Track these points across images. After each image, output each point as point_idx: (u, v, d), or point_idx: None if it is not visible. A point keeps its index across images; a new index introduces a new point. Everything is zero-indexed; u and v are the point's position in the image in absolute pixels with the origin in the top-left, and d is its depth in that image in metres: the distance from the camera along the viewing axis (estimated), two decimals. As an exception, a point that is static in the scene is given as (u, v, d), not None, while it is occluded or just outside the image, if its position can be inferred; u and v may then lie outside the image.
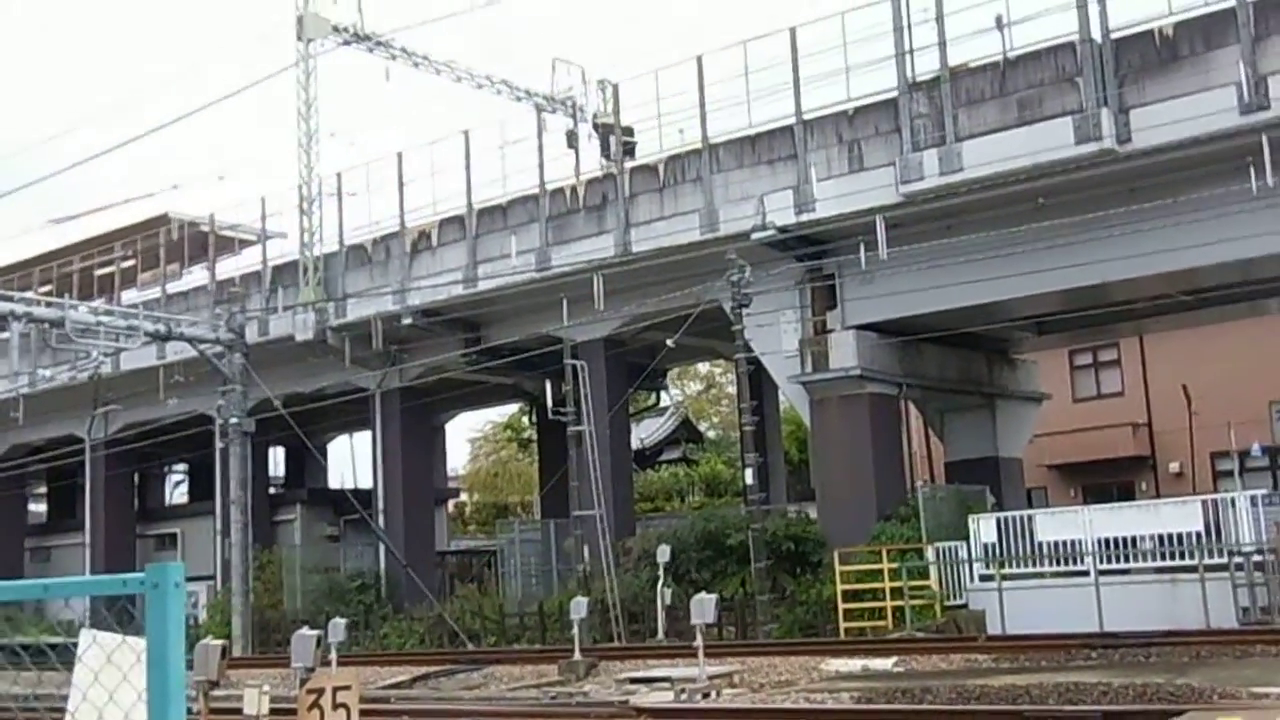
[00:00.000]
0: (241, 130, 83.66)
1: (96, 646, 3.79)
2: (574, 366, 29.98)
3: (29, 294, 34.96)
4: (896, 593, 24.61)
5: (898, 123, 25.96)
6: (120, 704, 3.41)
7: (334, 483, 46.79)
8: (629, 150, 31.25)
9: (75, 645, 4.00)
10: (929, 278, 25.90)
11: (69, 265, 41.70)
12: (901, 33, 25.87)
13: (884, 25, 26.04)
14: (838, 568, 25.49)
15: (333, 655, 19.74)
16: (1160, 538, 23.28)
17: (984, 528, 25.02)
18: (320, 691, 9.79)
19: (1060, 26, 24.51)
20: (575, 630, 21.27)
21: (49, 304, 31.20)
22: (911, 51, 25.96)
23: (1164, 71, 23.45)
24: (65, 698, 4.21)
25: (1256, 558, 21.85)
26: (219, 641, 11.37)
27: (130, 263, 41.55)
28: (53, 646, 4.16)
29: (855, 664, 18.94)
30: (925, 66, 25.87)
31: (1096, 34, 23.88)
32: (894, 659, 19.17)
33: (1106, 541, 23.58)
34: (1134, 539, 23.56)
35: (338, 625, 21.34)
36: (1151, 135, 23.11)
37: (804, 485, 36.22)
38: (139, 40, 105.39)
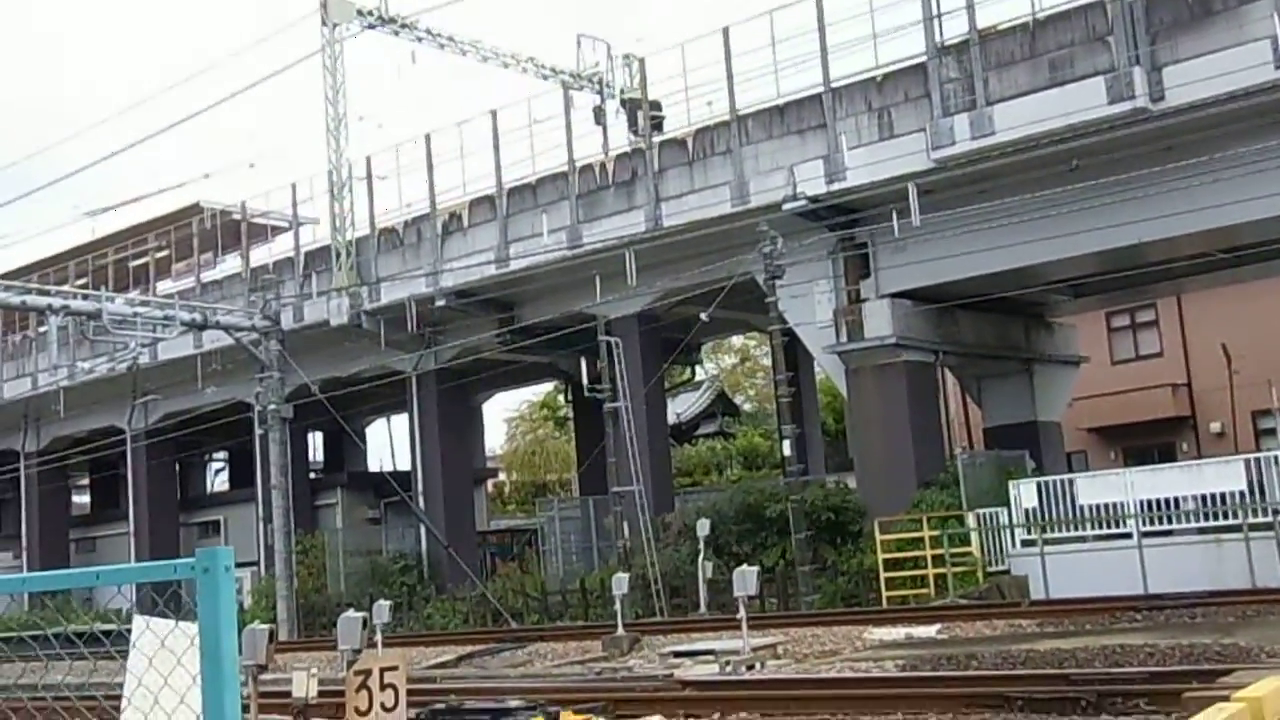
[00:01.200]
0: (271, 117, 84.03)
1: (150, 632, 3.82)
2: (608, 343, 29.99)
3: (65, 287, 35.27)
4: (938, 560, 24.55)
5: (927, 88, 25.77)
6: (175, 688, 3.44)
7: (373, 466, 47.08)
8: (657, 124, 31.16)
9: (129, 632, 4.04)
10: (963, 243, 25.74)
11: (104, 257, 42.01)
12: (928, -3, 25.64)
13: (911, -10, 25.82)
14: (878, 537, 25.45)
15: (378, 637, 19.87)
16: (1203, 498, 23.11)
17: (1024, 493, 24.90)
18: (368, 673, 9.86)
19: (1090, -15, 24.23)
20: (617, 606, 21.33)
21: (85, 297, 31.46)
22: (940, 15, 25.74)
23: (1196, 27, 23.16)
24: (120, 685, 4.25)
25: (1302, 516, 21.66)
26: (266, 626, 11.46)
27: (164, 253, 41.83)
28: (106, 634, 4.21)
29: (899, 632, 18.92)
30: (954, 30, 25.67)
31: (1126, -9, 23.60)
32: (937, 626, 19.14)
33: (1149, 503, 23.44)
34: (1176, 500, 23.41)
35: (382, 607, 21.51)
36: (1185, 92, 22.84)
37: (842, 455, 36.11)
38: (167, 31, 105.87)
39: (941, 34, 25.74)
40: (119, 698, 4.12)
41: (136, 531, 42.88)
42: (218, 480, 54.78)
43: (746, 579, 17.12)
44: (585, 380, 31.17)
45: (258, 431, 35.46)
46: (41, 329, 32.59)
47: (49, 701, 5.37)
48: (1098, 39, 23.92)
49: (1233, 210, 23.45)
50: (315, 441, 48.36)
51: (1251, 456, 24.18)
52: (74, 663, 4.72)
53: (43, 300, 30.07)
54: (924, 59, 25.92)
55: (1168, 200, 23.72)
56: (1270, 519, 21.69)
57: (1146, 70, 23.16)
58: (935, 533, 24.84)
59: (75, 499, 53.11)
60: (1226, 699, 7.06)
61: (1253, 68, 22.14)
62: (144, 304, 32.65)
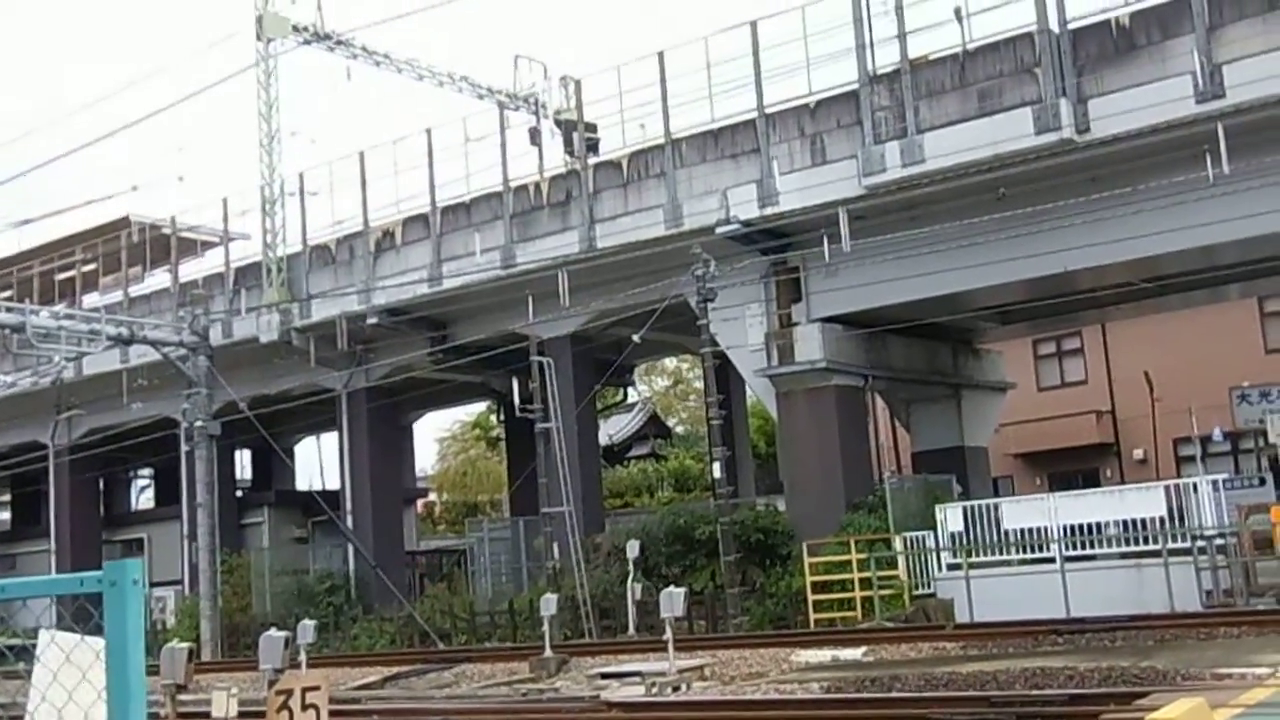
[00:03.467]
0: (202, 131, 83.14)
1: (55, 646, 3.77)
2: (540, 364, 29.95)
3: (-11, 299, 34.59)
4: (865, 583, 24.70)
5: (859, 115, 26.06)
6: (80, 703, 3.40)
7: (301, 484, 46.57)
8: (592, 146, 31.23)
9: (34, 647, 3.98)
10: (893, 269, 26.03)
11: (29, 269, 41.34)
12: (861, 25, 25.96)
13: (844, 18, 26.13)
14: (806, 559, 25.57)
15: (302, 657, 19.64)
16: (1125, 523, 23.48)
17: (951, 517, 25.16)
18: (289, 693, 9.75)
19: (1019, 17, 24.67)
20: (546, 627, 21.28)
21: (9, 309, 30.89)
22: (872, 44, 26.05)
23: (1121, 61, 23.63)
24: (22, 705, 4.19)
25: (1219, 541, 22.08)
26: (185, 645, 11.31)
27: (91, 266, 41.23)
28: (10, 648, 4.13)
29: (825, 654, 19.02)
30: (886, 59, 25.98)
31: (1054, 24, 24.05)
32: (863, 649, 19.27)
33: (1072, 528, 23.76)
34: (1099, 525, 23.75)
35: (307, 627, 21.25)
36: (1110, 124, 23.28)
37: (772, 478, 36.29)
38: (99, 42, 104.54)
39: (874, 62, 26.05)
40: (21, 715, 4.06)
41: (58, 549, 42.11)
42: (142, 498, 53.93)
43: (674, 600, 17.17)
44: (517, 400, 31.07)
45: (184, 449, 34.99)
46: (-37, 341, 31.97)
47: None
48: (1026, 70, 24.33)
49: (1156, 241, 23.91)
50: (243, 459, 47.79)
51: (1172, 483, 24.62)
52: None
53: (-35, 312, 29.49)
54: (856, 87, 26.21)
55: (1093, 230, 24.14)
56: (1189, 544, 22.07)
57: (1073, 102, 23.59)
58: (863, 556, 25.00)
59: (-5, 515, 52.10)
60: (1140, 720, 7.18)
61: (1175, 101, 22.62)
62: (69, 317, 32.12)
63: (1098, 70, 23.80)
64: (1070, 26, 24.09)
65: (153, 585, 37.39)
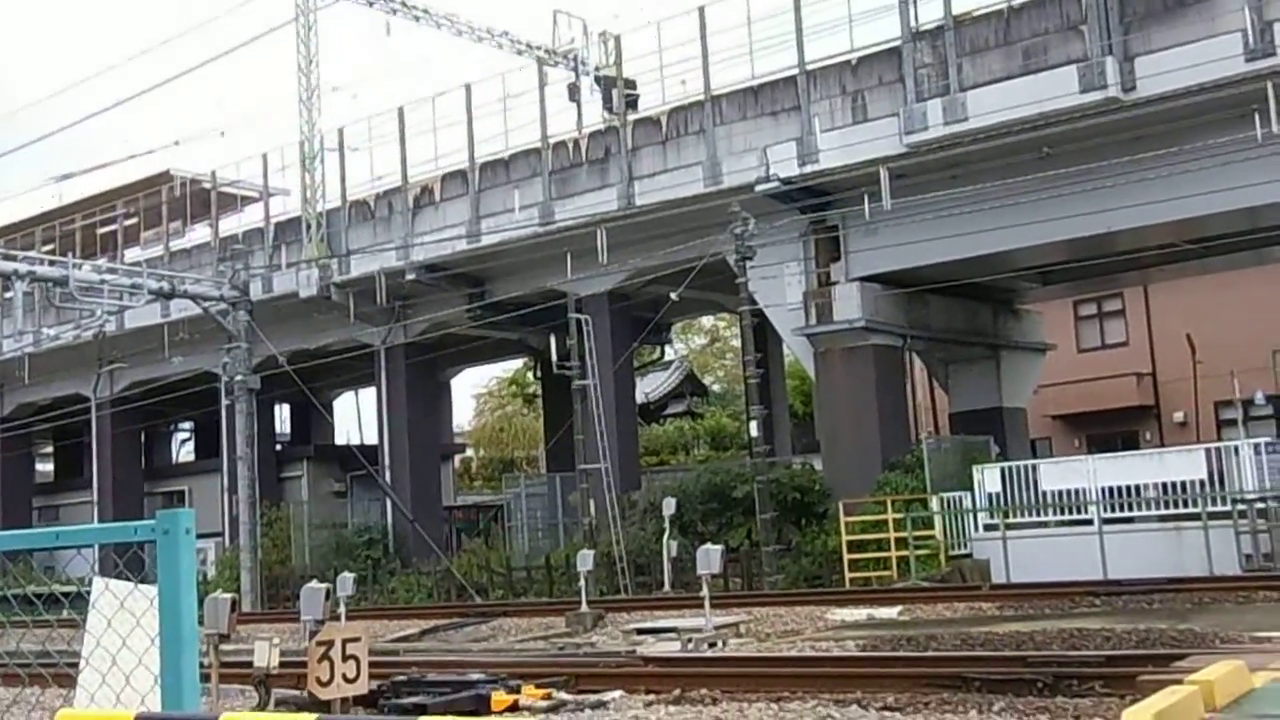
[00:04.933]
0: (243, 86, 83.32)
1: (109, 594, 3.82)
2: (578, 321, 29.96)
3: (32, 253, 34.90)
4: (901, 543, 24.70)
5: (901, 72, 25.81)
6: (134, 649, 3.45)
7: (340, 439, 46.92)
8: (631, 103, 31.09)
9: (88, 594, 4.04)
10: (933, 228, 25.83)
11: (71, 223, 41.65)
12: (905, -19, 25.66)
13: (887, -26, 25.84)
14: (842, 518, 25.58)
15: (341, 609, 19.87)
16: (1164, 486, 23.34)
17: (988, 477, 25.08)
18: (330, 644, 9.89)
19: (1065, -27, 24.31)
20: (582, 582, 21.41)
21: (52, 263, 31.16)
22: (915, 0, 25.76)
23: (1169, 18, 23.27)
24: (78, 650, 4.25)
25: (1260, 505, 21.91)
26: (229, 595, 11.45)
27: (133, 220, 41.50)
28: (65, 595, 4.20)
29: (860, 613, 19.04)
30: (929, 15, 25.69)
31: (1101, -19, 23.68)
32: (899, 608, 19.27)
33: (1110, 490, 23.65)
34: (1138, 488, 23.62)
35: (346, 579, 21.49)
36: (1156, 83, 22.95)
37: (809, 438, 36.24)
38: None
39: (917, 19, 25.78)
40: (78, 661, 4.12)
41: (100, 500, 42.63)
42: (183, 451, 54.47)
43: (710, 557, 17.21)
44: (555, 357, 31.15)
45: (224, 402, 35.28)
46: (7, 294, 32.27)
47: (9, 666, 5.36)
48: (1071, 28, 24.01)
49: (1201, 201, 23.63)
50: (282, 413, 48.16)
51: (1213, 446, 24.45)
52: (33, 628, 4.71)
53: (9, 265, 29.76)
54: (899, 43, 25.96)
55: (1137, 190, 23.86)
56: (1229, 508, 21.93)
57: (1119, 60, 23.27)
58: (899, 515, 25.00)
59: (39, 467, 52.75)
60: (1179, 683, 7.16)
61: (1223, 59, 22.26)
62: (111, 271, 32.36)
63: (1145, 28, 23.46)
64: (1117, -17, 23.71)
65: (194, 537, 37.77)
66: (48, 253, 37.06)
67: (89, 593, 4.05)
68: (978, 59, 24.95)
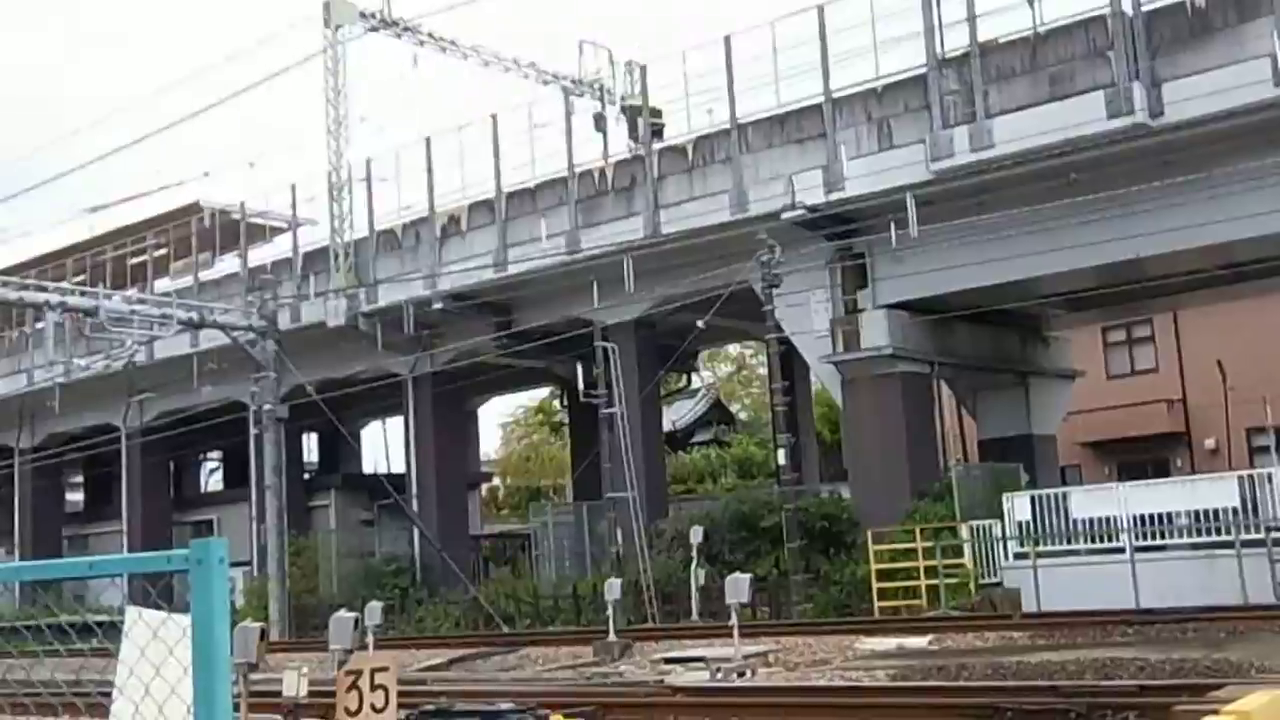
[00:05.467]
0: (272, 117, 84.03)
1: (143, 623, 3.83)
2: (605, 349, 29.99)
3: (63, 284, 35.21)
4: (931, 571, 24.54)
5: (927, 99, 25.81)
6: (167, 679, 3.45)
7: (368, 468, 47.06)
8: (657, 132, 31.20)
9: (121, 623, 4.05)
10: (960, 255, 25.78)
11: (102, 255, 41.99)
12: (930, 8, 25.71)
13: (912, 1, 25.88)
14: (871, 547, 25.44)
15: (370, 638, 19.85)
16: (1196, 514, 23.10)
17: (1018, 505, 24.89)
18: (359, 673, 9.86)
19: (1091, 0, 24.30)
20: (610, 611, 21.32)
21: (83, 294, 31.40)
22: (941, 27, 25.79)
23: (1196, 44, 23.22)
24: (111, 679, 4.26)
25: (1294, 533, 21.66)
26: (258, 624, 11.46)
27: (162, 251, 41.81)
28: (99, 624, 4.21)
29: (890, 643, 18.91)
30: (955, 42, 25.71)
31: (1128, 7, 23.66)
32: (929, 638, 19.14)
33: (1142, 518, 23.43)
34: (1169, 515, 23.40)
35: (374, 609, 21.46)
36: (1184, 109, 22.89)
37: (836, 466, 36.12)
38: (171, 29, 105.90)
39: (942, 46, 25.79)
40: (110, 690, 4.13)
41: (129, 530, 42.82)
42: (212, 480, 54.72)
43: (739, 586, 17.14)
44: (581, 386, 31.19)
45: (253, 431, 35.40)
46: (38, 325, 32.58)
47: (43, 695, 5.38)
48: (1098, 54, 23.98)
49: (1230, 227, 23.50)
50: (310, 442, 48.34)
51: (1245, 473, 24.19)
52: (67, 656, 4.74)
53: (40, 296, 30.03)
54: (924, 71, 25.97)
55: (1165, 216, 23.76)
56: (1263, 536, 21.70)
57: (1146, 86, 23.21)
58: (929, 544, 24.84)
59: (69, 496, 53.02)
60: (1215, 713, 7.07)
61: (1252, 85, 22.19)
62: (141, 302, 32.60)
63: (1172, 53, 23.41)
64: (1145, 9, 23.68)
65: (222, 566, 37.86)
66: (79, 284, 37.36)
67: (121, 622, 4.06)
68: (1004, 85, 24.94)
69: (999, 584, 24.45)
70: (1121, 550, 22.96)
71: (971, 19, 25.29)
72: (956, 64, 25.58)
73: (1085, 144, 23.71)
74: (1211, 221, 23.42)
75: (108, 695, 4.16)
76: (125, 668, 3.81)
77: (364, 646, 18.68)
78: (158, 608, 3.85)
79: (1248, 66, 22.29)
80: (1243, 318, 35.91)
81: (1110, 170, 24.02)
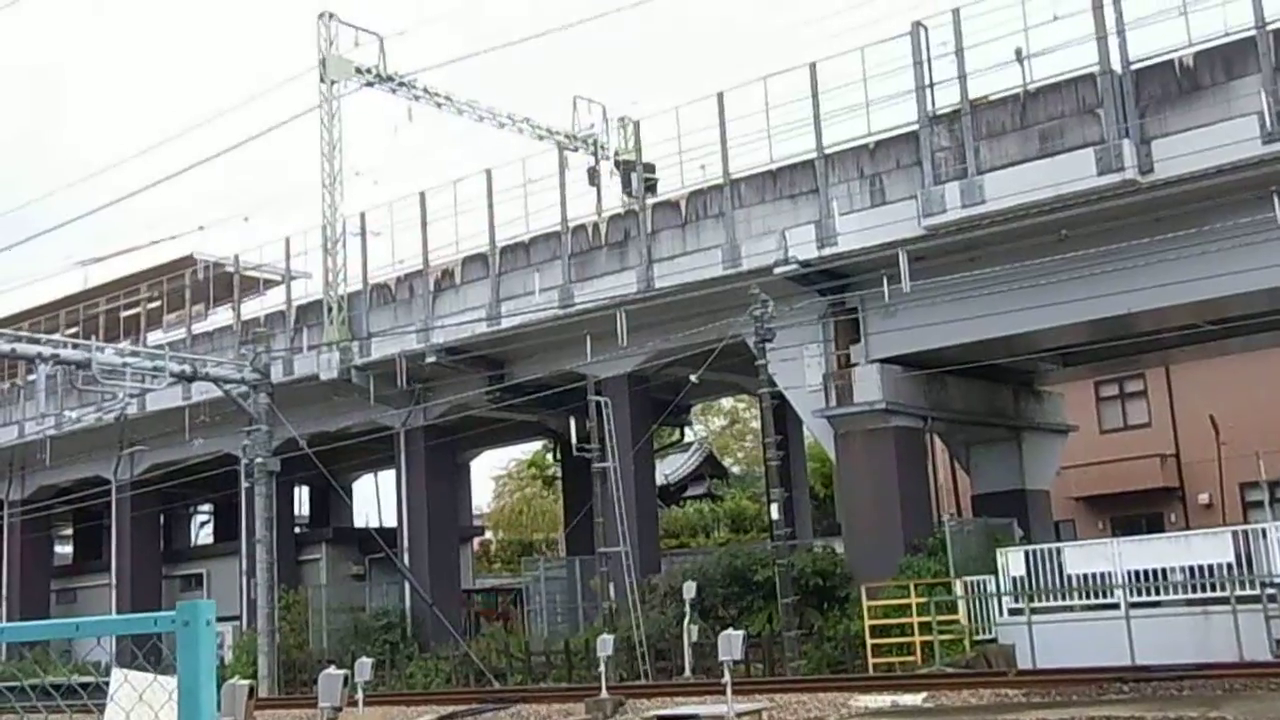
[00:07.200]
0: (266, 171, 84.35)
1: (128, 685, 3.79)
2: (598, 403, 29.97)
3: (56, 336, 35.19)
4: (925, 627, 24.41)
5: (919, 156, 25.98)
6: (152, 743, 3.41)
7: (359, 522, 46.86)
8: (650, 186, 31.35)
9: (107, 684, 4.01)
10: (952, 310, 25.85)
11: (95, 307, 42.02)
12: (921, 66, 25.93)
13: (904, 59, 26.11)
14: (865, 602, 25.33)
15: (359, 695, 19.69)
16: (1191, 569, 23.06)
17: (1012, 561, 24.83)
18: (348, 731, 9.77)
19: (1080, 58, 24.53)
20: (602, 668, 21.19)
21: (75, 346, 31.35)
22: (932, 85, 26.00)
23: (1185, 102, 23.41)
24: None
25: (1289, 589, 21.61)
26: (246, 681, 11.36)
27: (156, 304, 41.83)
28: (84, 686, 4.16)
29: (884, 700, 18.78)
30: (946, 100, 25.90)
31: (1117, 65, 23.87)
32: (923, 694, 19.01)
33: (1136, 574, 23.37)
34: (1164, 571, 23.35)
35: (364, 664, 21.33)
36: (1174, 165, 23.04)
37: (830, 520, 36.10)
38: (167, 84, 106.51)
39: (934, 103, 25.99)
40: (95, 752, 4.08)
41: (119, 583, 42.56)
42: (202, 533, 54.44)
43: (732, 643, 17.06)
44: (574, 439, 31.13)
45: (244, 485, 35.28)
46: (30, 377, 32.48)
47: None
48: (1088, 111, 24.17)
49: (1221, 282, 23.61)
50: (302, 496, 48.14)
51: (1240, 528, 24.15)
52: (50, 717, 4.68)
53: (32, 348, 29.96)
54: (916, 127, 26.15)
55: (1157, 271, 23.86)
56: (1258, 591, 21.64)
57: (1136, 143, 23.38)
58: (922, 600, 24.73)
59: (58, 549, 52.74)
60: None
61: (1241, 142, 22.35)
62: (134, 354, 32.52)
63: (1161, 111, 23.60)
64: (1133, 67, 23.88)
65: (211, 620, 37.61)
66: (71, 335, 37.37)
67: (107, 683, 4.02)
68: (995, 142, 25.11)
69: (993, 640, 24.33)
70: (1116, 606, 22.88)
71: (962, 76, 25.50)
72: (948, 121, 25.77)
73: (1076, 200, 23.84)
74: (1202, 277, 23.55)
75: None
76: (110, 731, 3.77)
77: (354, 703, 18.52)
78: (143, 668, 3.81)
79: (1236, 124, 22.47)
80: (1235, 372, 36.01)
81: (1101, 226, 24.16)
